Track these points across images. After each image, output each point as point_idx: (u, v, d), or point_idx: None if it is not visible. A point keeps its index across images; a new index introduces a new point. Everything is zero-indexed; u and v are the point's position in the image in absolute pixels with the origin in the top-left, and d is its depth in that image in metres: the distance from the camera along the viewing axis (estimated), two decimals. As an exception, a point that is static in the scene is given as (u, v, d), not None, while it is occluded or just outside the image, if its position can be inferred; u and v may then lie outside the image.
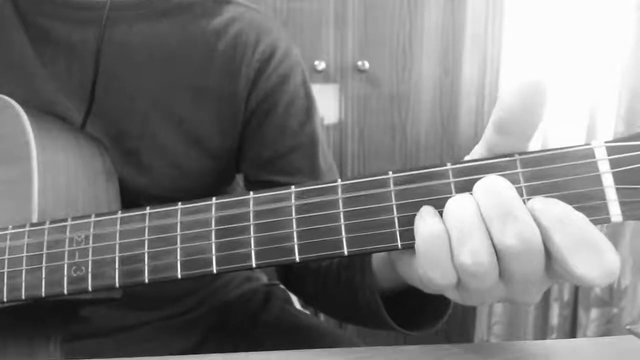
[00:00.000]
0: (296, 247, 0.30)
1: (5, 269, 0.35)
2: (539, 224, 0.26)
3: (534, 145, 0.29)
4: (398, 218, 0.29)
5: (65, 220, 0.34)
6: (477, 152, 0.30)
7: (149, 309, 0.58)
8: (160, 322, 0.59)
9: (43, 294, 0.34)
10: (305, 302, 0.60)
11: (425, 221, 0.28)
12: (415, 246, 0.28)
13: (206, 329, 0.62)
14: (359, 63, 1.41)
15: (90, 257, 0.33)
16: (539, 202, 0.26)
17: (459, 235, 0.27)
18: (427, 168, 0.29)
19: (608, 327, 1.46)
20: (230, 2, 0.56)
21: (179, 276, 0.31)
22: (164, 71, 0.52)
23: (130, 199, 0.51)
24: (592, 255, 0.25)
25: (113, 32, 0.51)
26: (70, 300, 0.37)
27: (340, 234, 0.29)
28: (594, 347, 0.35)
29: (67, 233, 0.34)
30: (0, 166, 0.43)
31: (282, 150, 0.56)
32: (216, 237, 0.31)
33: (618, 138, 0.27)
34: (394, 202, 0.29)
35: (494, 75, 1.43)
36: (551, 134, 1.36)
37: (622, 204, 0.26)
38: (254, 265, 0.30)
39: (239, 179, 0.65)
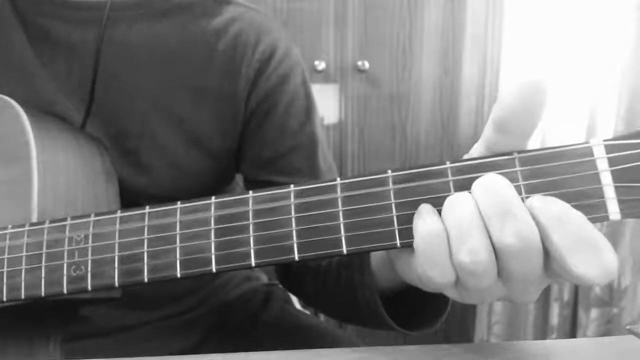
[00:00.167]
0: (295, 245, 0.30)
1: (5, 269, 0.35)
2: (537, 223, 0.26)
3: (533, 144, 0.29)
4: (397, 217, 0.29)
5: (64, 219, 0.34)
6: (476, 150, 0.30)
7: (148, 309, 0.58)
8: (160, 322, 0.59)
9: (43, 294, 0.34)
10: (305, 302, 0.60)
11: (424, 220, 0.28)
12: (414, 245, 0.28)
13: (206, 329, 0.62)
14: (359, 63, 1.41)
15: (89, 257, 0.33)
16: (538, 201, 0.26)
17: (457, 234, 0.27)
18: (426, 167, 0.29)
19: (608, 327, 1.46)
20: (230, 2, 0.56)
21: (179, 275, 0.31)
22: (163, 71, 0.52)
23: (130, 198, 0.51)
24: (590, 254, 0.25)
25: (113, 32, 0.51)
26: (70, 300, 0.37)
27: (340, 232, 0.29)
28: (594, 347, 0.35)
29: (67, 232, 0.34)
30: (0, 166, 0.43)
31: (281, 150, 0.56)
32: (215, 236, 0.31)
33: (616, 136, 0.27)
34: (392, 200, 0.29)
35: (494, 75, 1.43)
36: (551, 134, 1.37)
37: (621, 202, 0.26)
38: (253, 264, 0.30)
39: (239, 179, 0.65)
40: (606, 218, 0.26)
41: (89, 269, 0.33)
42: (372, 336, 1.38)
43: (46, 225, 0.35)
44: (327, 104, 1.43)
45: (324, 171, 0.57)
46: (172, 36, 0.53)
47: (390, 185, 0.29)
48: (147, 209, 0.33)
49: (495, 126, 0.28)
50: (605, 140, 0.27)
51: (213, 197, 0.32)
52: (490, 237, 0.27)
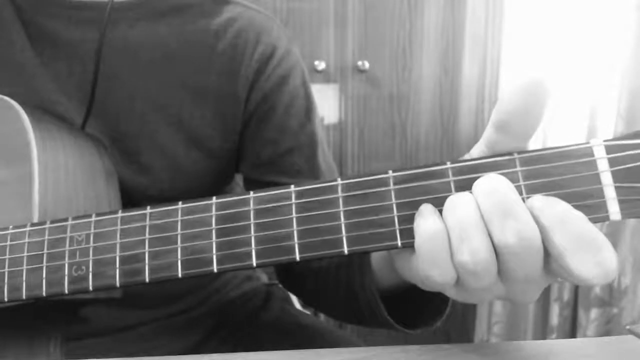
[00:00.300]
0: (296, 246, 0.30)
1: (6, 269, 0.35)
2: (538, 223, 0.26)
3: (534, 144, 0.29)
4: (398, 217, 0.29)
5: (66, 219, 0.34)
6: (477, 150, 0.30)
7: (148, 309, 0.58)
8: (160, 322, 0.59)
9: (44, 294, 0.34)
10: (305, 302, 0.60)
11: (425, 220, 0.28)
12: (415, 245, 0.28)
13: (206, 329, 0.62)
14: (359, 63, 1.42)
15: (91, 257, 0.33)
16: (538, 201, 0.26)
17: (458, 234, 0.27)
18: (427, 167, 0.29)
19: (608, 327, 1.46)
20: (229, 2, 0.56)
21: (180, 275, 0.31)
22: (164, 71, 0.52)
23: (130, 198, 0.51)
24: (590, 254, 0.25)
25: (113, 33, 0.51)
26: (71, 300, 0.37)
27: (341, 232, 0.30)
28: (594, 347, 0.35)
29: (68, 232, 0.34)
30: (0, 166, 0.43)
31: (281, 150, 0.56)
32: (216, 237, 0.31)
33: (617, 137, 0.27)
34: (394, 200, 0.29)
35: (494, 75, 1.44)
36: (551, 134, 1.37)
37: (621, 202, 0.26)
38: (254, 264, 0.30)
39: (239, 179, 0.65)
40: (606, 218, 0.27)
41: (90, 269, 0.33)
42: (372, 336, 1.38)
43: (47, 225, 0.35)
44: (327, 104, 1.43)
45: (324, 171, 0.57)
46: (172, 36, 0.53)
47: (391, 186, 0.29)
48: (148, 209, 0.33)
49: (496, 126, 0.28)
50: (605, 141, 0.27)
51: (214, 198, 0.32)
52: (490, 237, 0.27)
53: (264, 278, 0.73)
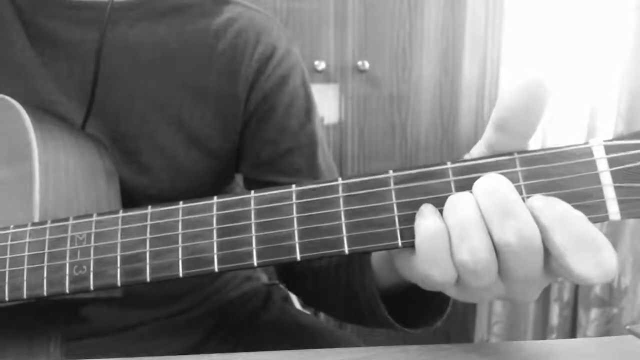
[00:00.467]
0: (297, 245, 0.30)
1: (7, 268, 0.35)
2: (538, 223, 0.26)
3: (534, 144, 0.29)
4: (398, 216, 0.29)
5: (67, 219, 0.34)
6: (477, 150, 0.30)
7: (149, 308, 0.58)
8: (160, 322, 0.59)
9: (45, 293, 0.34)
10: (305, 301, 0.60)
11: (426, 219, 0.28)
12: (416, 244, 0.28)
13: (206, 329, 0.62)
14: (359, 63, 1.42)
15: (92, 256, 0.33)
16: (538, 201, 0.26)
17: (458, 233, 0.27)
18: (427, 167, 0.29)
19: (608, 327, 1.46)
20: (229, 2, 0.56)
21: (181, 275, 0.31)
22: (164, 71, 0.52)
23: (130, 198, 0.51)
24: (590, 254, 0.25)
25: (113, 33, 0.51)
26: (71, 300, 0.37)
27: (341, 232, 0.30)
28: (594, 347, 0.35)
29: (69, 232, 0.34)
30: (1, 166, 0.43)
31: (281, 150, 0.56)
32: (217, 236, 0.31)
33: (616, 137, 0.27)
34: (394, 200, 0.29)
35: (494, 75, 1.44)
36: (551, 134, 1.37)
37: (621, 202, 0.26)
38: (255, 264, 0.30)
39: (239, 179, 0.65)
40: (606, 218, 0.27)
41: (91, 268, 0.33)
42: (372, 336, 1.38)
43: (48, 225, 0.35)
44: (327, 104, 1.43)
45: (324, 171, 0.57)
46: (172, 36, 0.53)
47: (392, 186, 0.29)
48: (149, 209, 0.33)
49: (496, 126, 0.28)
50: (605, 141, 0.27)
51: (215, 197, 0.32)
52: (491, 237, 0.27)
53: (264, 278, 0.73)
